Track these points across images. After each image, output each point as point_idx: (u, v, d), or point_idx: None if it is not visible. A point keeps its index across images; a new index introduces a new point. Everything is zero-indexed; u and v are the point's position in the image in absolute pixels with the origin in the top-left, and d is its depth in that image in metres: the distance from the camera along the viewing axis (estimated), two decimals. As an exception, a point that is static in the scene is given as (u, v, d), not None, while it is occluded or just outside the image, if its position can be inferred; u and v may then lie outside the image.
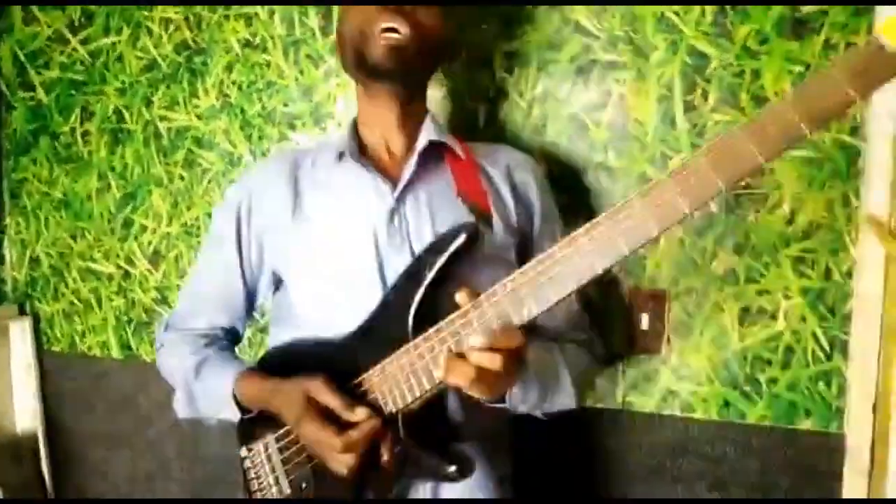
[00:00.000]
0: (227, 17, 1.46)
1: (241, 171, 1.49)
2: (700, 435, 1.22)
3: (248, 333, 1.48)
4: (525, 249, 1.04)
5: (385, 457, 0.87)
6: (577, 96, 1.22)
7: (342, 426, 0.85)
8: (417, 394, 0.86)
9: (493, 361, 0.78)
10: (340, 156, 1.02)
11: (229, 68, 1.48)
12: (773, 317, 1.16)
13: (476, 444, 0.95)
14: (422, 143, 1.00)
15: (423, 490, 0.96)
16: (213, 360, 1.06)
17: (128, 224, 1.64)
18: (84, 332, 1.73)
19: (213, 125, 1.51)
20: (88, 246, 1.70)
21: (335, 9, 1.36)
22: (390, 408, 0.88)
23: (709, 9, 1.12)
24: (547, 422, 1.00)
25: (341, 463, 0.85)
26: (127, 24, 1.56)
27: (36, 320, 1.80)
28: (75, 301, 1.74)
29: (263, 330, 1.50)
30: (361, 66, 0.98)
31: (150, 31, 1.54)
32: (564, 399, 0.98)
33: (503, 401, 0.89)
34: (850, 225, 1.10)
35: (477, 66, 1.28)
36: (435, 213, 0.98)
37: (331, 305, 0.97)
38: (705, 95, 1.15)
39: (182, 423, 1.49)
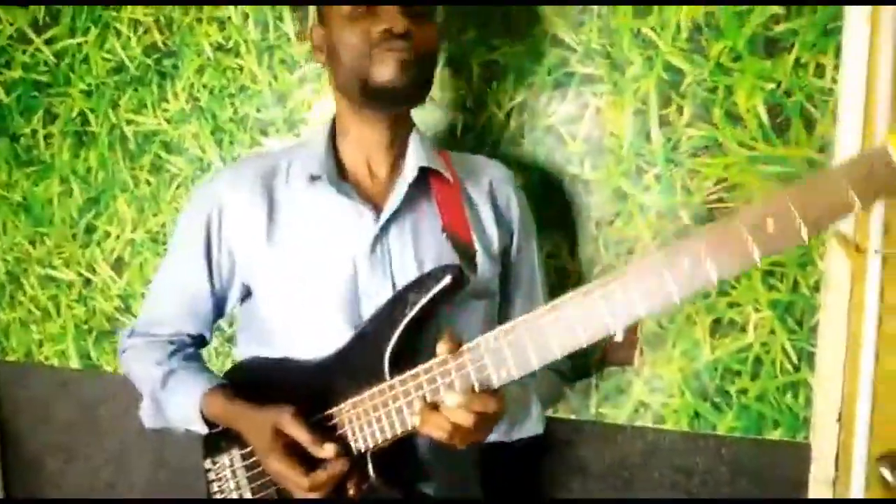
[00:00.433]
0: (199, 20, 1.43)
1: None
2: (671, 445, 1.23)
3: (214, 343, 1.46)
4: (507, 270, 1.04)
5: (351, 492, 0.86)
6: (554, 108, 1.23)
7: (310, 460, 0.84)
8: (388, 436, 0.85)
9: (468, 420, 0.78)
10: (316, 178, 0.95)
11: (200, 72, 1.44)
12: (744, 329, 1.17)
13: (444, 482, 0.95)
14: (411, 169, 0.96)
15: None
16: (180, 372, 1.02)
17: (90, 230, 1.59)
18: (41, 341, 1.67)
19: (182, 129, 1.47)
20: (48, 252, 1.64)
21: (312, 14, 1.34)
22: (360, 445, 0.87)
23: (684, 25, 1.14)
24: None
25: (307, 498, 0.84)
26: (94, 24, 1.51)
27: (-10, 329, 1.73)
28: (33, 309, 1.67)
29: (230, 340, 1.46)
30: (363, 89, 0.91)
31: (118, 33, 1.50)
32: (532, 426, 0.98)
33: None
34: (818, 240, 1.13)
35: (456, 77, 1.28)
36: (418, 241, 0.95)
37: (303, 329, 0.95)
38: (680, 110, 1.16)
39: (144, 435, 1.44)
